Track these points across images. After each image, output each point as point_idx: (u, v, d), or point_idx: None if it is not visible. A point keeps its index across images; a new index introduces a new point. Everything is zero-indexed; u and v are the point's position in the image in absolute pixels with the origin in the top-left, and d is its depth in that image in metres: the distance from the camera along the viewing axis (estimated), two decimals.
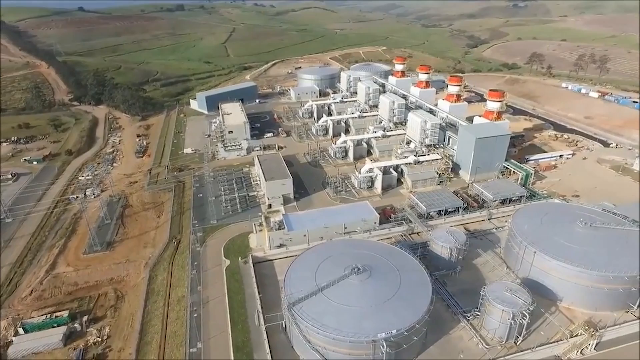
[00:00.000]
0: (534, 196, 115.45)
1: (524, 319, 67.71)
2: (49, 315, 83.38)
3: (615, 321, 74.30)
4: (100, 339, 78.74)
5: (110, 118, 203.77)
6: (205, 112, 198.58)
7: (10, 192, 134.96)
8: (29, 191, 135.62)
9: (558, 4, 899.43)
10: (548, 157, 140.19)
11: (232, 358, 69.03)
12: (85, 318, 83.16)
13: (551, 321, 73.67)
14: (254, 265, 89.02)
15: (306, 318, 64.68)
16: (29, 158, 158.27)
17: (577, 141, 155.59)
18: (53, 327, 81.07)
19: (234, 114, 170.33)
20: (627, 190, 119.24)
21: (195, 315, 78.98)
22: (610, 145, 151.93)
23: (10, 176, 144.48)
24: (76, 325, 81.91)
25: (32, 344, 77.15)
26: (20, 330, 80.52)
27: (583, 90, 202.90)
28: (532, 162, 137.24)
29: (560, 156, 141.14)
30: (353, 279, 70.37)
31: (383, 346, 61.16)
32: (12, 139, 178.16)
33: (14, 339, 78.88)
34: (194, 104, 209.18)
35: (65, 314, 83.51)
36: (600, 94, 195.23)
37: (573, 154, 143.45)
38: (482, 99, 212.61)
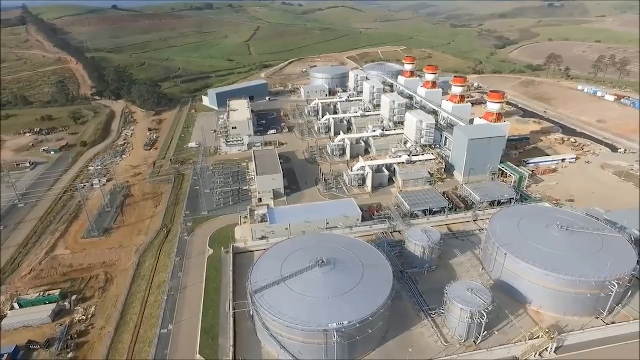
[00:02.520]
0: (526, 199, 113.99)
1: (482, 319, 68.07)
2: (42, 293, 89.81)
3: (582, 326, 73.39)
4: (85, 317, 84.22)
5: (126, 112, 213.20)
6: (216, 107, 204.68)
7: (26, 179, 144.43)
8: (43, 179, 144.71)
9: (598, 3, 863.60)
10: (548, 161, 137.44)
11: (198, 340, 72.75)
12: (74, 297, 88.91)
13: (514, 323, 73.48)
14: (234, 256, 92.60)
15: (265, 306, 67.53)
16: (47, 148, 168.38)
17: (583, 145, 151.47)
18: (45, 304, 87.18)
19: (240, 110, 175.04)
20: (626, 197, 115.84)
21: (166, 298, 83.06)
22: (619, 150, 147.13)
23: (28, 164, 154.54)
24: (65, 303, 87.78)
25: (23, 318, 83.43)
26: (16, 305, 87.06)
27: (599, 93, 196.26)
28: (532, 165, 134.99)
29: (562, 160, 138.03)
30: (316, 270, 72.60)
31: (334, 336, 63.26)
32: (35, 129, 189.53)
33: (8, 312, 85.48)
34: (205, 100, 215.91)
35: (56, 292, 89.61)
36: (616, 97, 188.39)
37: (576, 158, 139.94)
38: None
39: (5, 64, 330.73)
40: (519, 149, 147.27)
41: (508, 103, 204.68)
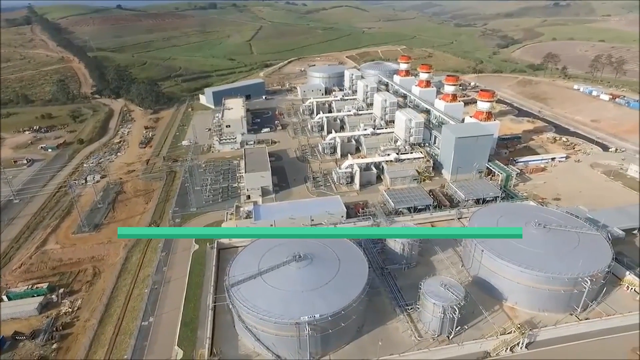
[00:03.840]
0: (512, 198, 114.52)
1: (454, 314, 69.08)
2: (30, 286, 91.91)
3: (555, 323, 74.14)
4: (71, 310, 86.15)
5: (124, 111, 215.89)
6: (212, 106, 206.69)
7: (23, 176, 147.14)
8: (39, 175, 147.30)
9: (604, 3, 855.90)
10: (538, 160, 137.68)
11: (178, 332, 74.43)
12: (61, 290, 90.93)
13: (488, 320, 74.37)
14: (218, 251, 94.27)
15: (240, 299, 69.07)
16: (45, 146, 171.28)
17: (574, 144, 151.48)
18: (33, 297, 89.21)
19: (235, 109, 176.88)
20: (613, 196, 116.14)
21: (149, 292, 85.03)
22: (610, 150, 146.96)
23: (25, 162, 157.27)
24: (53, 296, 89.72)
25: (12, 310, 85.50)
26: (5, 298, 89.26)
27: (594, 93, 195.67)
28: (521, 164, 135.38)
29: (552, 159, 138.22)
30: (292, 265, 74.05)
31: (306, 329, 64.61)
32: (34, 127, 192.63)
33: None
34: (202, 99, 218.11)
35: (45, 285, 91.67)
36: (611, 96, 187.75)
37: (567, 157, 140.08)
38: None
39: (10, 63, 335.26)
40: (509, 148, 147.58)
41: (503, 102, 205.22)
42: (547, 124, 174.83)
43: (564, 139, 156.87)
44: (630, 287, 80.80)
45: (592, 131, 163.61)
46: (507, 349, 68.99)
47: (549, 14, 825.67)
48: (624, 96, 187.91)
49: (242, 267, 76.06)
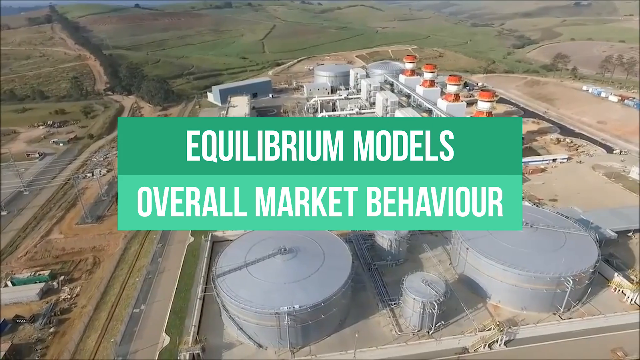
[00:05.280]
0: None
1: (434, 310, 70.09)
2: (33, 273, 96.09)
3: (537, 321, 74.48)
4: (70, 297, 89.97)
5: (134, 107, 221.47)
6: (219, 104, 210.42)
7: (34, 169, 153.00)
8: (49, 168, 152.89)
9: (627, 2, 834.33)
10: (538, 161, 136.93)
11: (167, 320, 77.36)
12: (62, 278, 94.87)
13: (469, 317, 75.07)
14: (212, 244, 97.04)
15: (225, 289, 71.49)
16: (57, 140, 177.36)
17: (578, 146, 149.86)
18: (35, 283, 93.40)
19: (239, 107, 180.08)
20: (612, 198, 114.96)
21: (143, 280, 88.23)
22: (614, 152, 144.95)
23: (37, 155, 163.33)
24: (54, 283, 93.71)
25: (14, 295, 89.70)
26: (9, 284, 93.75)
27: (603, 94, 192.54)
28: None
29: (554, 160, 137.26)
30: (278, 258, 76.04)
31: (285, 319, 66.60)
32: (48, 122, 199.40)
33: (2, 289, 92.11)
34: (210, 97, 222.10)
35: (47, 273, 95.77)
36: (620, 98, 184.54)
37: (568, 159, 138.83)
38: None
39: (30, 60, 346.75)
40: None
41: (509, 103, 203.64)
42: (552, 125, 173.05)
43: (567, 140, 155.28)
44: (617, 289, 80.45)
45: (597, 132, 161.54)
46: (485, 345, 69.75)
47: (570, 14, 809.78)
48: (634, 97, 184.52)
49: (230, 259, 78.42)
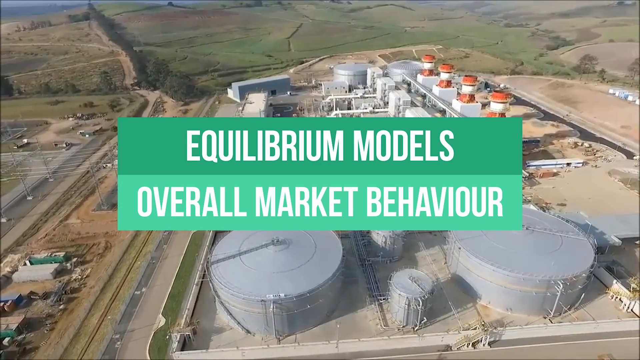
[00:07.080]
0: None
1: (418, 306, 70.85)
2: (50, 254, 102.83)
3: (524, 324, 73.91)
4: (80, 277, 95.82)
5: (158, 102, 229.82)
6: (238, 100, 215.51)
7: (60, 158, 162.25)
8: (74, 158, 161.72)
9: None
10: (551, 164, 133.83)
11: (164, 303, 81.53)
12: (75, 259, 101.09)
13: (455, 315, 75.28)
14: (215, 233, 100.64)
15: (217, 276, 74.74)
16: (83, 132, 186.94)
17: (596, 150, 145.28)
18: (51, 263, 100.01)
19: (256, 103, 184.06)
20: (625, 204, 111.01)
21: (146, 265, 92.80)
22: (635, 157, 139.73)
23: (64, 145, 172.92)
24: (67, 264, 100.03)
25: (30, 273, 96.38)
26: (27, 263, 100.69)
27: (630, 98, 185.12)
28: (532, 167, 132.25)
29: (568, 164, 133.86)
30: (270, 248, 78.62)
31: (271, 306, 69.11)
32: (77, 115, 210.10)
33: (20, 267, 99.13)
34: (230, 93, 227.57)
35: (62, 254, 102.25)
36: None
37: (584, 163, 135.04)
38: (516, 101, 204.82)
39: (67, 55, 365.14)
40: (524, 151, 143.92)
41: (529, 105, 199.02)
42: (572, 129, 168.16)
43: (585, 144, 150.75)
44: (615, 297, 78.59)
45: (620, 137, 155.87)
46: (468, 344, 69.99)
47: (612, 14, 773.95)
48: None
49: (226, 248, 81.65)
